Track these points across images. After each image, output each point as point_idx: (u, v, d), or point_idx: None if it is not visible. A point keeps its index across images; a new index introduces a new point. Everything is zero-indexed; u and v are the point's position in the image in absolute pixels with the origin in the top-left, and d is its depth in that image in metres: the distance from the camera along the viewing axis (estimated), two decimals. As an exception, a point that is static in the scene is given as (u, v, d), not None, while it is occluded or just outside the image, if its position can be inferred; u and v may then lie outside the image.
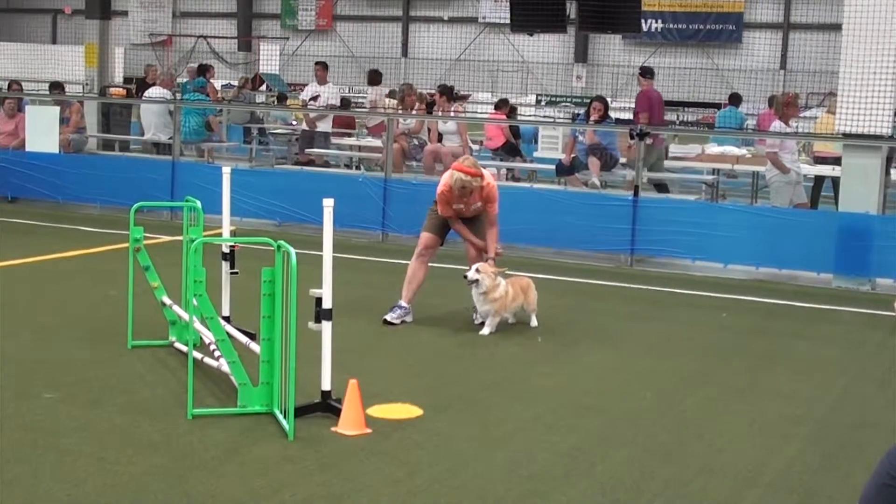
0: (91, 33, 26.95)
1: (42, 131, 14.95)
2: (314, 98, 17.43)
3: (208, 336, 6.78)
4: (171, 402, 6.41)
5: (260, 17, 52.24)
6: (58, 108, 15.50)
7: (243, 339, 7.00)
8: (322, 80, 17.65)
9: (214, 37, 44.62)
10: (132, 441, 5.78)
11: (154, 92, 17.35)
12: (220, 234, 8.30)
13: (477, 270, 8.53)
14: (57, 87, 17.64)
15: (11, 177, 14.92)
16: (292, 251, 5.98)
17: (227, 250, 7.86)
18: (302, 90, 20.70)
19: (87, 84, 25.43)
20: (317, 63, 18.38)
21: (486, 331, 8.55)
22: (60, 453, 5.56)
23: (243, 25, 51.14)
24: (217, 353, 6.63)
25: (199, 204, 7.76)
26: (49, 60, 30.56)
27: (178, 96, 18.94)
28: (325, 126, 17.54)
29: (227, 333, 6.68)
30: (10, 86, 19.17)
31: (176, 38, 45.15)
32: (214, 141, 17.91)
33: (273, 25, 51.73)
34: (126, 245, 8.12)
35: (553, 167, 15.22)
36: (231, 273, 7.86)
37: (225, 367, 6.54)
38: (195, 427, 6.01)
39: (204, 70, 20.79)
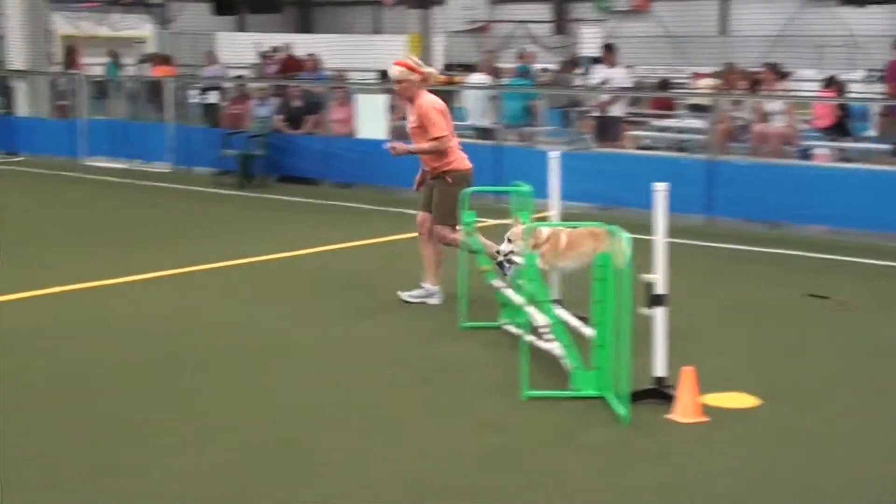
0: (413, 22, 28.02)
1: (371, 119, 15.67)
2: (604, 83, 17.28)
3: (540, 319, 6.89)
4: (504, 383, 6.57)
5: (574, 0, 52.35)
6: (386, 97, 16.16)
7: (575, 322, 7.07)
8: (611, 63, 17.47)
9: (531, 21, 45.14)
10: (469, 419, 5.98)
11: (477, 78, 17.77)
12: (547, 218, 8.40)
13: (509, 241, 7.56)
14: (385, 75, 18.35)
15: (343, 163, 15.72)
16: (626, 235, 5.98)
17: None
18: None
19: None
20: (605, 46, 18.19)
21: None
22: (403, 427, 5.83)
23: (558, 9, 51.42)
24: (548, 336, 6.74)
25: (527, 188, 7.90)
26: (371, 50, 31.93)
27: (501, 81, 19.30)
28: (617, 111, 17.33)
29: (559, 317, 6.76)
30: (340, 75, 20.21)
31: (493, 24, 46.00)
32: (536, 125, 18.13)
33: (587, 8, 51.75)
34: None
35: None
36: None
37: (557, 351, 6.63)
38: (529, 408, 6.13)
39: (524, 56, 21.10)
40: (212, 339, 7.60)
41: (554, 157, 8.13)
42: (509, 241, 7.60)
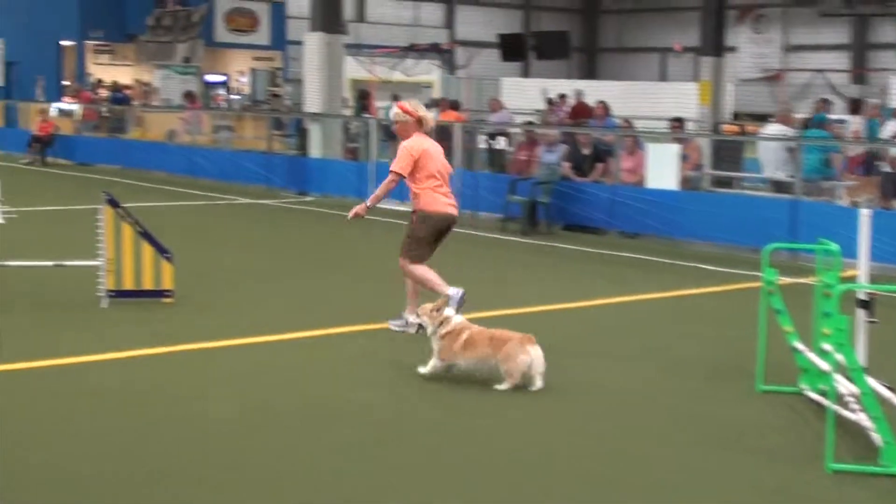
0: (704, 70, 27.67)
1: (662, 168, 15.54)
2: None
3: (845, 387, 6.58)
4: (803, 452, 6.31)
5: (875, 48, 50.32)
6: (678, 146, 16.00)
7: (885, 392, 6.71)
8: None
9: (829, 70, 43.72)
10: (769, 487, 5.77)
11: (773, 128, 17.34)
12: (855, 279, 8.04)
13: (417, 315, 8.11)
14: (678, 122, 18.20)
15: (630, 212, 15.65)
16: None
17: (864, 297, 7.59)
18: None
19: (700, 121, 26.06)
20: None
21: (422, 370, 7.79)
22: (697, 490, 5.69)
23: (857, 57, 49.52)
24: (855, 406, 6.43)
25: (835, 247, 7.60)
26: (658, 98, 31.75)
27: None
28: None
29: (871, 387, 6.44)
30: (626, 123, 20.16)
31: (787, 73, 44.84)
32: (836, 179, 17.48)
33: (889, 56, 49.59)
34: (749, 285, 8.17)
35: None
36: (869, 322, 7.58)
37: (865, 422, 6.31)
38: (833, 482, 5.86)
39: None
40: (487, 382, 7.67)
41: (865, 214, 7.78)
42: (418, 315, 8.00)
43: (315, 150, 21.82)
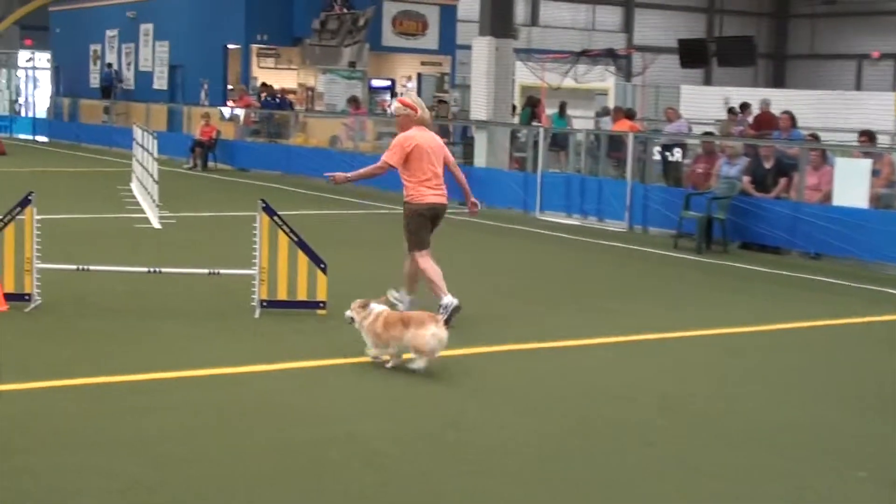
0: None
1: (850, 184, 15.10)
2: None
3: None
4: None
5: None
6: (869, 161, 15.53)
7: None
8: None
9: None
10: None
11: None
12: None
13: (350, 308, 8.75)
14: (867, 136, 17.67)
15: (814, 231, 15.26)
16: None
17: None
18: None
19: (896, 134, 25.21)
20: None
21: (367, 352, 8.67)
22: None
23: None
24: None
25: None
26: (853, 108, 30.88)
27: None
28: None
29: None
30: (811, 137, 19.65)
31: None
32: None
33: None
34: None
35: None
36: None
37: None
38: None
39: None
40: (652, 414, 7.58)
41: None
42: (351, 308, 8.70)
43: (480, 159, 21.95)
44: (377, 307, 8.65)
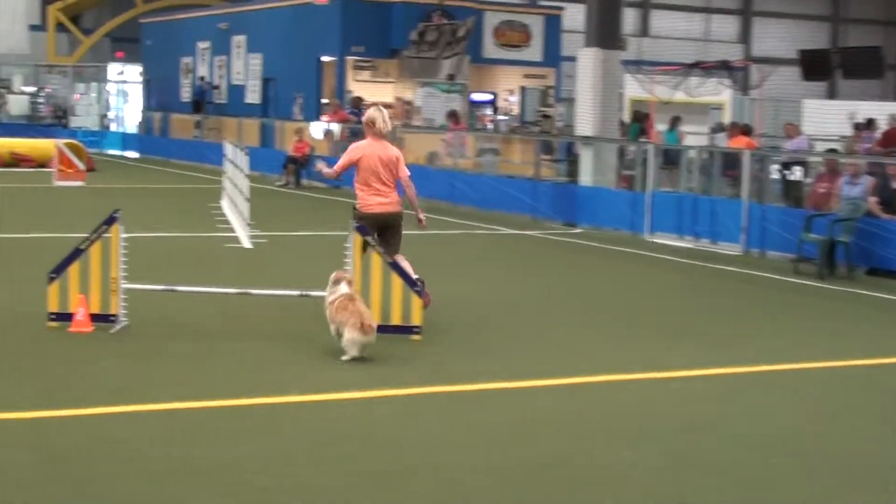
0: None
1: None
2: None
3: None
4: None
5: None
6: None
7: None
8: None
9: None
10: None
11: None
12: None
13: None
14: None
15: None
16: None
17: None
18: None
19: None
20: None
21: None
22: None
23: None
24: None
25: None
26: None
27: None
28: None
29: None
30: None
31: None
32: None
33: None
34: None
35: None
36: None
37: None
38: None
39: None
40: (768, 451, 7.43)
41: None
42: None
43: (586, 177, 21.84)
44: (345, 289, 9.67)
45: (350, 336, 9.35)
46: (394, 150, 11.40)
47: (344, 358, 9.38)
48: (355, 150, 11.41)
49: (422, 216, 11.63)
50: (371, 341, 9.44)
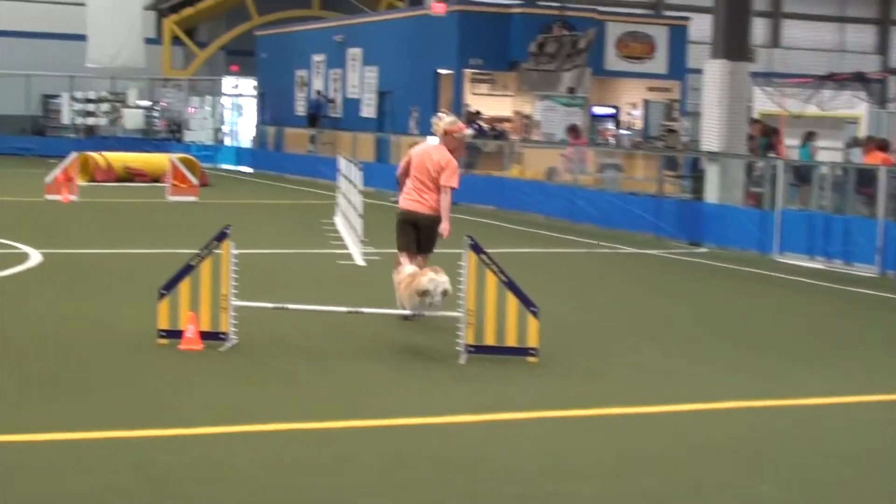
0: None
1: None
2: None
3: None
4: None
5: None
6: None
7: None
8: None
9: None
10: None
11: None
12: None
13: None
14: None
15: None
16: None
17: None
18: None
19: None
20: None
21: None
22: None
23: None
24: None
25: None
26: None
27: None
28: None
29: None
30: None
31: None
32: None
33: None
34: None
35: None
36: None
37: None
38: None
39: None
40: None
41: None
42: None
43: (712, 194, 21.58)
44: (409, 269, 10.93)
45: (398, 293, 10.98)
46: (444, 157, 11.96)
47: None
48: (412, 150, 12.42)
49: (445, 226, 12.01)
50: (424, 294, 10.39)
